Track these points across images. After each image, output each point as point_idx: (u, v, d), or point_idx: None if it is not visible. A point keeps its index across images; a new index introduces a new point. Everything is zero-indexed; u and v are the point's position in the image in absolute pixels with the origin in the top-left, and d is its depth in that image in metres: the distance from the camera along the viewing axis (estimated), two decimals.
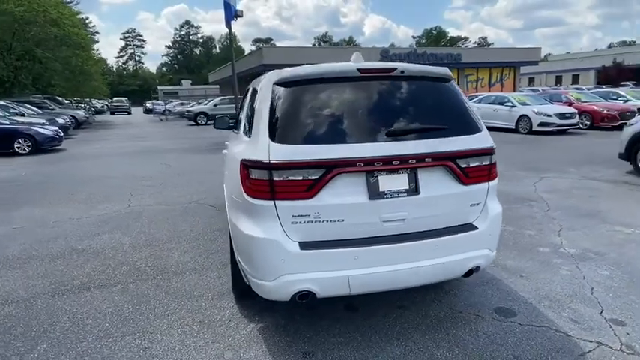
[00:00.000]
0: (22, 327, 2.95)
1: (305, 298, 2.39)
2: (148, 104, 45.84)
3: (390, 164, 2.35)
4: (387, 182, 2.38)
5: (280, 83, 2.50)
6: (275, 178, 2.29)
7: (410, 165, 2.38)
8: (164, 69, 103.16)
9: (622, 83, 31.08)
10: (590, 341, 2.57)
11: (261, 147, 2.34)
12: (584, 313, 2.87)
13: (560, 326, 2.73)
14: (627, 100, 16.01)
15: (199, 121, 25.66)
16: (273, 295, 2.42)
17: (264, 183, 2.32)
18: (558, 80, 44.30)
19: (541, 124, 13.50)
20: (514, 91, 28.18)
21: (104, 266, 4.00)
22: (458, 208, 2.56)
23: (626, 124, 7.42)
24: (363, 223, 2.38)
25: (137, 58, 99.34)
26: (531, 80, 46.57)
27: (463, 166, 2.49)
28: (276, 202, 2.32)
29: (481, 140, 2.57)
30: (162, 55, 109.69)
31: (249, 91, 3.56)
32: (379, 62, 2.69)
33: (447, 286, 3.29)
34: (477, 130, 2.60)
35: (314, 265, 2.33)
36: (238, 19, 13.54)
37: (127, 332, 2.86)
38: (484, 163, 2.57)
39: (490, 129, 2.84)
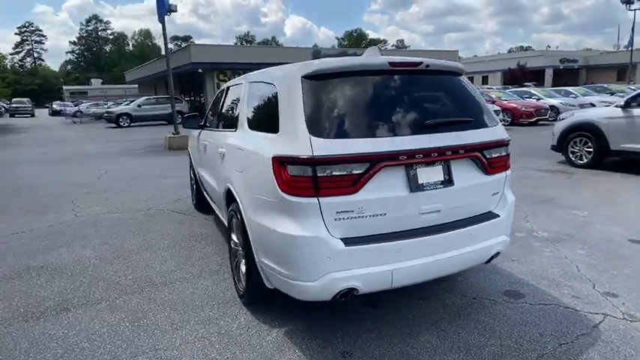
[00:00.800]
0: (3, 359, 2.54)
1: (346, 296, 2.33)
2: (55, 105, 41.90)
3: (429, 156, 2.37)
4: (425, 174, 2.40)
5: (310, 77, 2.40)
6: (319, 174, 2.20)
7: (445, 157, 2.42)
8: (69, 67, 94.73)
9: (525, 84, 34.39)
10: (597, 313, 2.81)
11: (301, 142, 2.23)
12: (581, 290, 3.14)
13: (566, 303, 2.95)
14: (539, 99, 17.79)
15: (122, 123, 23.96)
16: (315, 296, 2.33)
17: (307, 179, 2.21)
18: (470, 80, 47.96)
19: None
20: None
21: (76, 283, 3.57)
22: (483, 198, 2.66)
23: (540, 120, 8.23)
24: (403, 215, 2.38)
25: (36, 55, 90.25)
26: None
27: (488, 156, 2.59)
28: (320, 198, 2.23)
29: (499, 132, 2.69)
30: (67, 52, 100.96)
31: (242, 87, 3.38)
32: (404, 57, 2.70)
33: (452, 275, 3.40)
34: (494, 122, 2.72)
35: (359, 262, 2.28)
36: (170, 15, 12.86)
37: (136, 352, 2.58)
38: (503, 154, 2.70)
39: None
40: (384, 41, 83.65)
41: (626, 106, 6.74)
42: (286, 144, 2.32)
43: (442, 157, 2.41)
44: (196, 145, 4.99)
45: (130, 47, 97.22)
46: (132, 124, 24.17)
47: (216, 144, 3.75)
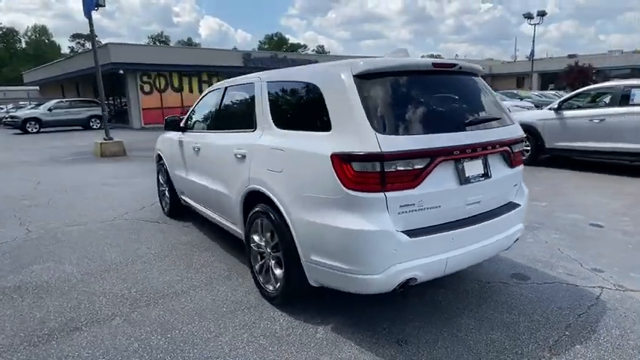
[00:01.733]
0: None
1: (404, 286, 2.44)
2: None
3: (475, 151, 2.57)
4: (470, 168, 2.59)
5: (362, 76, 2.48)
6: (386, 169, 2.29)
7: (485, 152, 2.64)
8: None
9: None
10: (594, 287, 3.22)
11: (366, 139, 2.30)
12: (572, 268, 3.56)
13: (566, 280, 3.34)
14: None
15: (30, 129, 21.66)
16: (378, 288, 2.40)
17: (375, 175, 2.29)
18: None
19: None
20: None
21: (73, 301, 3.25)
22: (508, 189, 2.93)
23: None
24: (453, 207, 2.55)
25: None
26: None
27: (513, 151, 2.87)
28: (386, 193, 2.31)
29: (519, 129, 2.99)
30: None
31: (256, 87, 3.32)
32: (442, 59, 2.88)
33: None
34: (513, 120, 3.01)
35: (419, 252, 2.40)
36: (97, 11, 11.96)
37: None
38: (521, 149, 3.00)
39: None
40: (305, 46, 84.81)
41: (559, 108, 7.69)
42: (347, 141, 2.37)
43: (483, 152, 2.63)
44: (177, 149, 4.76)
45: (23, 45, 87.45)
46: (42, 130, 21.93)
47: (222, 146, 3.64)
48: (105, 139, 12.18)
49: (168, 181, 5.22)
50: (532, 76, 35.64)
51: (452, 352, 2.47)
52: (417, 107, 2.53)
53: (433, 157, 2.39)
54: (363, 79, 2.48)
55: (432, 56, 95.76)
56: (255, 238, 3.22)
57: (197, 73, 26.54)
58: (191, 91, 26.65)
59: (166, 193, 5.46)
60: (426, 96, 2.61)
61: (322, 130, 2.56)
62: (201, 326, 2.84)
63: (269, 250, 3.07)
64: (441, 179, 2.46)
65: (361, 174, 2.31)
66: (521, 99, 19.36)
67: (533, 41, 26.06)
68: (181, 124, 4.71)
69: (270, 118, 3.09)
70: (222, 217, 3.88)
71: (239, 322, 2.87)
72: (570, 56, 39.62)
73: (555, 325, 2.72)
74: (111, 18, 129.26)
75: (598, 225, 4.66)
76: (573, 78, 30.44)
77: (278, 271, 2.97)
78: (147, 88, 24.62)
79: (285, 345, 2.60)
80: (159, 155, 5.59)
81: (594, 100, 8.07)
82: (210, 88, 4.44)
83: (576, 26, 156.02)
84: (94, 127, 23.51)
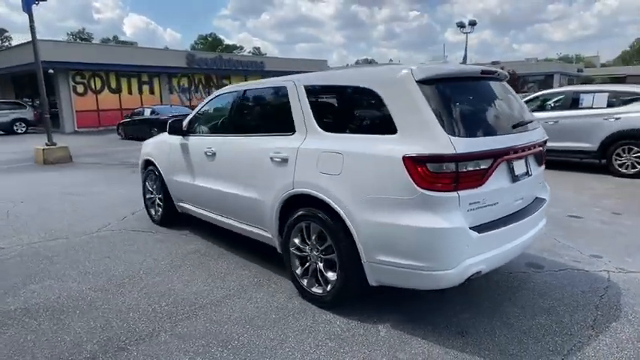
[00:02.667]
0: None
1: (469, 279, 2.58)
2: None
3: (523, 151, 2.78)
4: (518, 167, 2.80)
5: (424, 81, 2.59)
6: (460, 170, 2.41)
7: (528, 152, 2.86)
8: None
9: None
10: (601, 271, 3.59)
11: (440, 141, 2.41)
12: (575, 256, 3.93)
13: (575, 266, 3.69)
14: None
15: None
16: (449, 283, 2.52)
17: (450, 175, 2.41)
18: None
19: None
20: None
21: (100, 320, 3.03)
22: (537, 186, 3.19)
23: None
24: (506, 204, 2.74)
25: None
26: None
27: (543, 151, 3.13)
28: (459, 192, 2.44)
29: (543, 131, 3.25)
30: None
31: (291, 91, 3.29)
32: (483, 66, 3.06)
33: None
34: (538, 123, 3.28)
35: (484, 247, 2.56)
36: (38, 5, 11.03)
37: None
38: (545, 149, 3.27)
39: None
40: (241, 47, 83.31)
41: None
42: (418, 144, 2.46)
43: (527, 152, 2.85)
44: (178, 154, 4.55)
45: None
46: None
47: (251, 150, 3.56)
48: (47, 145, 11.21)
49: (162, 188, 4.97)
50: None
51: (512, 339, 2.65)
52: (473, 111, 2.69)
53: (495, 157, 2.56)
54: (425, 84, 2.59)
55: (366, 60, 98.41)
56: (296, 241, 3.20)
57: (137, 73, 25.18)
58: (130, 92, 25.24)
59: (157, 200, 5.20)
60: (479, 100, 2.78)
61: (385, 134, 2.63)
62: (259, 334, 2.78)
63: (315, 254, 3.08)
64: (498, 178, 2.64)
65: (436, 174, 2.41)
66: None
67: (466, 48, 28.00)
68: (183, 128, 4.52)
69: (315, 121, 3.09)
70: (244, 222, 3.79)
71: (296, 328, 2.85)
72: (494, 63, 42.76)
73: (586, 306, 3.01)
74: (21, 12, 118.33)
75: (577, 216, 5.16)
76: None
77: (330, 274, 2.98)
78: (80, 89, 22.90)
79: (356, 345, 2.63)
80: (147, 161, 5.31)
81: (543, 104, 8.87)
82: (221, 92, 4.31)
83: (493, 36, 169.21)
84: (19, 131, 21.50)
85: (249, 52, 69.48)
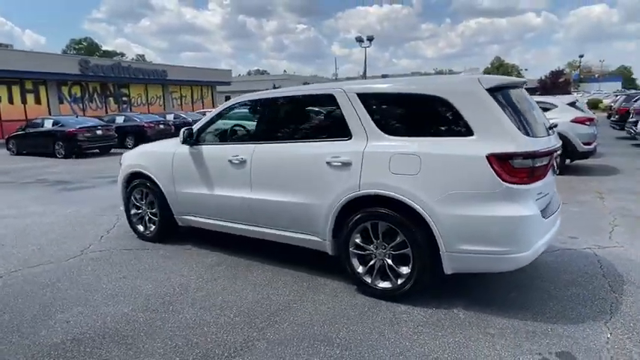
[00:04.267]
0: None
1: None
2: None
3: (557, 151, 3.31)
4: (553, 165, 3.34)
5: (491, 90, 2.99)
6: (535, 165, 2.85)
7: (558, 151, 3.41)
8: None
9: None
10: (585, 248, 4.33)
11: (520, 141, 2.83)
12: (558, 238, 4.66)
13: (564, 247, 4.38)
14: None
15: None
16: (523, 264, 2.93)
17: (528, 170, 2.83)
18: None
19: None
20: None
21: (176, 339, 2.88)
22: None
23: None
24: (550, 195, 3.26)
25: None
26: (228, 99, 50.12)
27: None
28: (532, 184, 2.88)
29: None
30: None
31: (341, 98, 3.45)
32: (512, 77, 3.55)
33: None
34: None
35: (546, 230, 3.04)
36: None
37: None
38: None
39: None
40: (122, 54, 77.58)
41: None
42: (499, 143, 2.83)
43: (557, 151, 3.40)
44: (189, 164, 4.35)
45: None
46: None
47: (299, 156, 3.62)
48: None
49: (159, 202, 4.68)
50: None
51: (565, 307, 3.14)
52: (525, 115, 3.16)
53: (551, 155, 3.05)
54: (491, 92, 2.99)
55: (258, 71, 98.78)
56: (357, 241, 3.36)
57: (18, 80, 22.19)
58: (11, 102, 22.15)
59: (148, 216, 4.87)
60: (523, 106, 3.26)
61: (461, 136, 2.97)
62: (353, 330, 2.90)
63: (382, 251, 3.27)
64: (548, 173, 3.14)
65: (517, 169, 2.82)
66: None
67: (365, 62, 30.25)
68: (192, 137, 4.35)
69: (376, 127, 3.30)
70: (284, 229, 3.81)
71: (382, 320, 3.02)
72: (384, 76, 46.25)
73: (596, 276, 3.67)
74: None
75: None
76: None
77: (403, 268, 3.20)
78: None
79: (448, 328, 2.89)
80: (134, 174, 4.93)
81: None
82: (241, 100, 4.26)
83: (375, 50, 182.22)
84: None
85: (132, 59, 64.75)
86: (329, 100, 3.59)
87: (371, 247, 3.33)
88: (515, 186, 2.83)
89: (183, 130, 4.34)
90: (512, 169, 2.82)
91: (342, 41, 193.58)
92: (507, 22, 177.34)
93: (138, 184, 4.89)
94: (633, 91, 29.71)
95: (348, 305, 3.26)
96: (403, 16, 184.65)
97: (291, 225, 3.75)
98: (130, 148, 17.01)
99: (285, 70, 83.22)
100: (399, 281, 3.23)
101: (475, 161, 2.86)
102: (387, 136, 3.26)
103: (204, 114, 22.23)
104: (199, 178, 4.30)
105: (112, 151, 15.84)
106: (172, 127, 17.92)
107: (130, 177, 5.02)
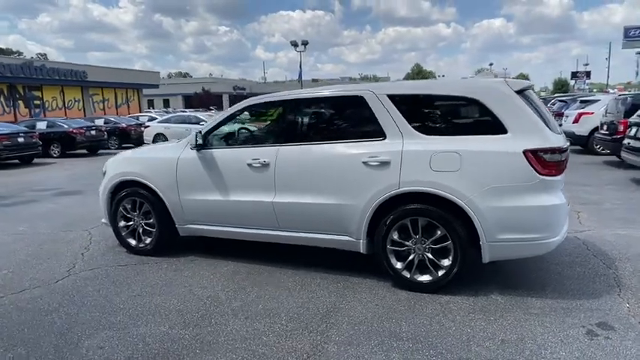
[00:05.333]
0: None
1: None
2: None
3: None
4: None
5: (517, 92, 3.26)
6: (563, 158, 3.17)
7: None
8: None
9: (210, 107, 37.69)
10: (576, 231, 4.83)
11: (551, 137, 3.14)
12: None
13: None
14: None
15: None
16: (555, 246, 3.24)
17: (558, 163, 3.14)
18: (151, 104, 47.84)
19: None
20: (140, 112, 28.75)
21: (239, 351, 2.77)
22: None
23: None
24: (562, 187, 3.61)
25: None
26: (151, 103, 47.21)
27: None
28: (559, 176, 3.20)
29: None
30: None
31: (370, 100, 3.53)
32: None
33: None
34: None
35: (566, 217, 3.38)
36: None
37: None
38: None
39: None
40: (19, 52, 69.86)
41: None
42: (534, 140, 3.10)
43: None
44: (199, 169, 4.14)
45: None
46: None
47: (333, 156, 3.64)
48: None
49: (158, 211, 4.38)
50: None
51: (579, 284, 3.51)
52: (545, 114, 3.48)
53: (566, 151, 3.40)
54: (519, 94, 3.27)
55: (180, 74, 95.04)
56: (395, 238, 3.46)
57: None
58: None
59: (143, 227, 4.54)
60: (540, 106, 3.58)
61: (496, 134, 3.20)
62: (416, 324, 3.00)
63: (421, 245, 3.41)
64: None
65: (549, 163, 3.11)
66: None
67: (300, 66, 30.43)
68: (199, 142, 4.15)
69: (410, 126, 3.42)
70: (312, 231, 3.79)
71: (432, 312, 3.15)
72: (314, 80, 46.89)
73: (589, 257, 4.14)
74: None
75: None
76: None
77: (444, 261, 3.36)
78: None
79: (497, 313, 3.10)
80: (125, 183, 4.56)
81: None
82: (255, 101, 4.14)
83: (299, 55, 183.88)
84: None
85: (32, 58, 58.75)
86: (357, 101, 3.64)
87: (409, 242, 3.45)
88: (548, 178, 3.12)
89: (195, 133, 4.11)
90: (545, 162, 3.11)
91: (267, 45, 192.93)
92: (422, 31, 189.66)
93: (128, 193, 4.53)
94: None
95: (394, 301, 3.35)
96: (326, 22, 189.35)
97: (322, 227, 3.74)
98: (57, 157, 15.85)
99: (210, 74, 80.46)
100: (440, 273, 3.39)
101: (513, 157, 3.10)
102: (422, 135, 3.40)
103: (137, 118, 20.98)
104: (211, 183, 4.11)
105: (35, 160, 14.33)
106: (105, 132, 16.56)
107: (115, 187, 4.63)
